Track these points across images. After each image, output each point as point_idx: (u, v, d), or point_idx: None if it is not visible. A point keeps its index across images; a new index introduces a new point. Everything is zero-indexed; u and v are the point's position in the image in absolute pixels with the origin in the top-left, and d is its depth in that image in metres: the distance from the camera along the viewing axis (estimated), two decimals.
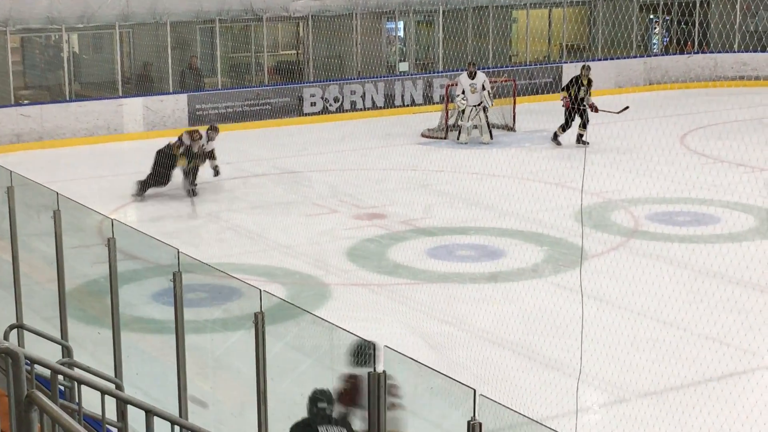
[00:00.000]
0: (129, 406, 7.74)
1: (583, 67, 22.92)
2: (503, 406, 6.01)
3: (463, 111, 23.52)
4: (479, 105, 23.35)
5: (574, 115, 22.47)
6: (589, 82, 22.71)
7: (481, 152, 22.28)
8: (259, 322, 7.60)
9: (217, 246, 15.87)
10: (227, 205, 18.47)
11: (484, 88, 23.43)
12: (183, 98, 25.34)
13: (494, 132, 23.99)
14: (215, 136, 19.02)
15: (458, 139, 23.58)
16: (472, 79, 23.57)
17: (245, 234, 16.60)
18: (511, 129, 24.59)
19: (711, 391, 10.58)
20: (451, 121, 24.29)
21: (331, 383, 8.20)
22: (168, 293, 8.83)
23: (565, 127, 22.56)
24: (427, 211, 17.72)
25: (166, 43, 25.48)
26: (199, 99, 25.50)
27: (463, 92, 23.47)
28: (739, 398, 10.39)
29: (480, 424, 5.70)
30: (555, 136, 22.66)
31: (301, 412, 7.97)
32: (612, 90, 29.70)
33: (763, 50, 31.76)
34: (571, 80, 23.13)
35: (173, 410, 8.42)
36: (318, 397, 8.15)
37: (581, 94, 22.42)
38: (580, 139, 22.50)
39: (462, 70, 24.87)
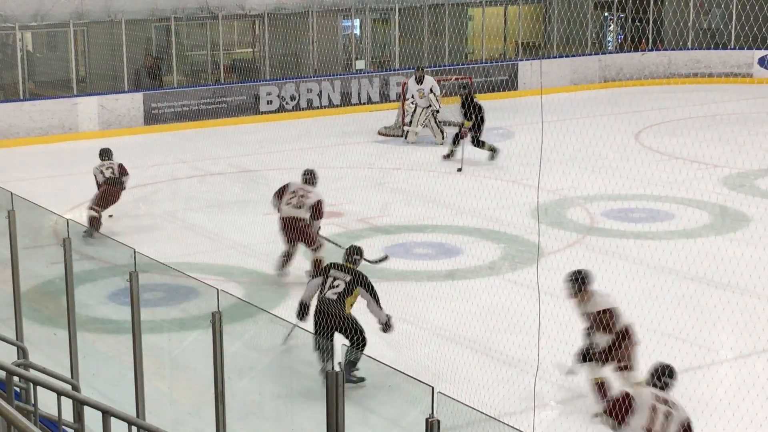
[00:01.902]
0: (86, 407, 7.70)
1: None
2: (461, 403, 6.03)
3: (414, 112, 23.55)
4: (428, 108, 23.37)
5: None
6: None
7: (438, 150, 22.32)
8: (216, 321, 7.59)
9: (174, 245, 15.79)
10: (184, 204, 18.40)
11: (431, 92, 23.49)
12: (139, 97, 25.21)
13: (450, 129, 24.05)
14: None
15: (406, 138, 23.63)
16: (420, 84, 23.61)
17: (202, 233, 16.53)
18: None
19: None
20: (407, 119, 24.32)
21: (289, 381, 8.20)
22: (124, 293, 8.80)
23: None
24: (384, 209, 17.73)
25: (121, 41, 25.33)
26: (155, 97, 25.37)
27: (412, 96, 23.56)
28: (695, 393, 10.46)
29: (438, 422, 5.72)
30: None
31: (260, 412, 7.97)
32: (567, 87, 29.84)
33: (716, 48, 32.07)
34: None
35: (130, 410, 8.39)
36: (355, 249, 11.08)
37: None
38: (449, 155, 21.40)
39: (413, 69, 24.88)
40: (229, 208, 18.01)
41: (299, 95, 27.01)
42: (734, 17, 31.96)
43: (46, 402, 8.02)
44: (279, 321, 8.53)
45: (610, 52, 32.30)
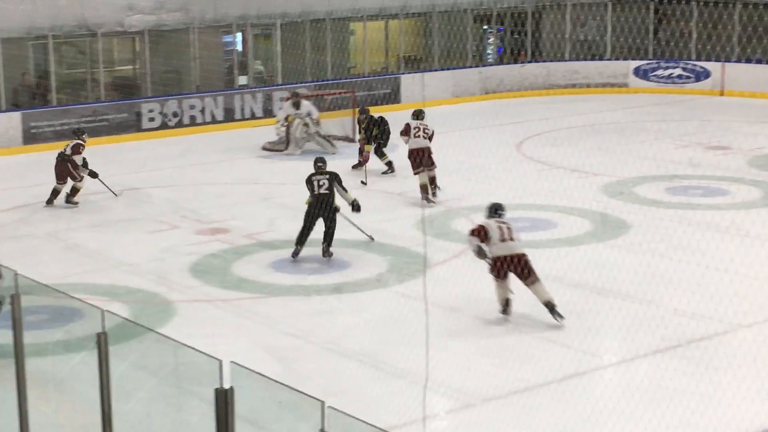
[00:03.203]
0: None
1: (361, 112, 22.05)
2: (351, 416, 6.06)
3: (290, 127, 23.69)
4: (306, 126, 23.63)
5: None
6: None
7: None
8: (102, 342, 7.49)
9: (57, 266, 15.54)
10: (66, 223, 18.11)
11: (309, 115, 23.64)
12: (17, 116, 24.74)
13: (336, 143, 24.16)
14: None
15: (286, 149, 23.68)
16: (297, 109, 23.68)
17: (86, 253, 16.30)
18: (352, 140, 24.69)
19: (554, 393, 10.83)
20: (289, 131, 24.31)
21: (178, 402, 8.13)
22: (6, 316, 8.63)
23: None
24: (270, 225, 17.68)
25: None
26: (34, 117, 24.93)
27: (286, 118, 23.66)
28: (581, 399, 10.66)
29: None
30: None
31: None
32: (449, 100, 30.14)
33: (592, 58, 32.71)
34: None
35: None
36: (318, 160, 16.02)
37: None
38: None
39: (299, 83, 24.89)
40: (112, 227, 17.79)
41: (182, 112, 26.79)
42: (609, 29, 32.64)
43: None
44: (166, 340, 8.43)
45: (491, 65, 32.68)
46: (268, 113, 27.60)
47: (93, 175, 19.34)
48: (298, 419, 6.56)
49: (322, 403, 5.82)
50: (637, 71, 32.09)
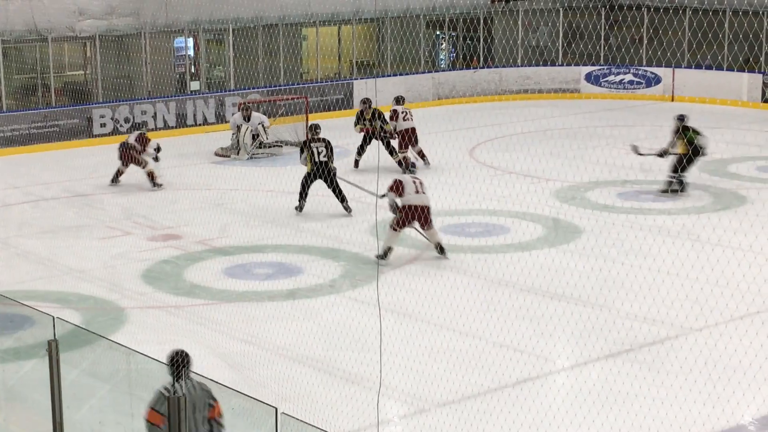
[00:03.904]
0: None
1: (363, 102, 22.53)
2: (305, 423, 6.05)
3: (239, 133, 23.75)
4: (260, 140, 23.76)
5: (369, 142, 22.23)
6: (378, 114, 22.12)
7: (275, 170, 22.31)
8: (53, 349, 7.44)
9: (7, 273, 15.39)
10: (16, 230, 17.94)
11: (261, 124, 23.68)
12: None
13: (287, 149, 24.14)
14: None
15: (238, 154, 23.67)
16: (248, 121, 23.68)
17: (36, 260, 16.16)
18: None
19: (507, 397, 10.86)
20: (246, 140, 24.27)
21: (130, 409, 8.08)
22: None
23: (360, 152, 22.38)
24: (223, 231, 17.62)
25: None
26: None
27: (238, 128, 23.70)
28: (534, 402, 10.70)
29: None
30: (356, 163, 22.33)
31: None
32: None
33: (544, 64, 32.90)
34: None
35: None
36: (315, 126, 18.69)
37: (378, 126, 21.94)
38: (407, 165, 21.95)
39: (252, 89, 24.85)
40: (63, 234, 17.64)
41: (133, 117, 26.65)
42: (561, 35, 32.85)
43: None
44: (118, 347, 8.39)
45: (443, 70, 32.79)
46: (221, 119, 27.52)
47: (156, 159, 21.15)
48: (252, 426, 6.55)
49: (276, 409, 5.81)
50: (588, 77, 32.32)
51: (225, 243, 16.90)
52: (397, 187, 15.43)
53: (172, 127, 27.08)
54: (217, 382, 6.64)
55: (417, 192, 15.47)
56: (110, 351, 8.99)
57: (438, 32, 33.76)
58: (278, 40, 29.52)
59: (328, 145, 18.08)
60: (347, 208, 18.32)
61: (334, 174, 18.20)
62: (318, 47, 30.45)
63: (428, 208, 15.52)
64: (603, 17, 32.31)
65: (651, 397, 10.78)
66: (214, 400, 6.94)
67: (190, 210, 19.10)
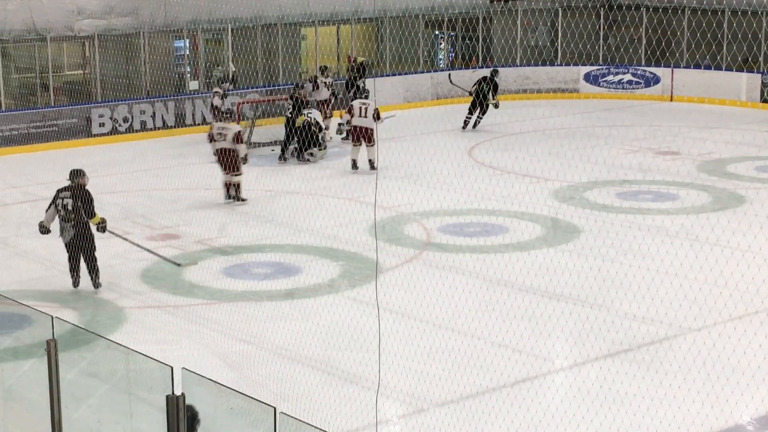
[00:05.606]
0: None
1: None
2: (304, 422, 6.05)
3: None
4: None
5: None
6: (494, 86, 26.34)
7: (274, 169, 22.31)
8: (51, 349, 7.43)
9: (6, 272, 15.39)
10: (15, 230, 17.94)
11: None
12: None
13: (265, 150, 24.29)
14: None
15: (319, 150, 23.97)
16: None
17: (35, 259, 16.15)
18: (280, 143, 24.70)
19: (506, 397, 10.86)
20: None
21: (128, 408, 8.07)
22: None
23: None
24: (222, 230, 17.62)
25: None
26: None
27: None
28: (533, 402, 10.71)
29: None
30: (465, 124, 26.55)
31: None
32: (401, 105, 30.16)
33: (543, 64, 32.90)
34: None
35: None
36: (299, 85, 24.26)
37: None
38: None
39: (251, 88, 24.84)
40: None
41: (132, 117, 26.63)
42: (560, 35, 32.84)
43: None
44: (117, 347, 8.38)
45: (442, 70, 32.76)
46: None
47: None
48: (251, 425, 6.54)
49: (275, 409, 5.80)
50: (587, 77, 32.32)
51: (223, 242, 16.89)
52: (349, 110, 21.97)
53: (171, 127, 27.07)
54: (215, 382, 6.64)
55: (361, 116, 21.45)
56: (109, 350, 8.98)
57: (437, 32, 33.73)
58: (277, 40, 29.50)
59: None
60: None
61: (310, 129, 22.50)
62: (317, 47, 30.43)
63: (369, 129, 21.23)
64: (602, 17, 32.31)
65: (650, 396, 10.79)
66: None
67: (189, 209, 19.09)
